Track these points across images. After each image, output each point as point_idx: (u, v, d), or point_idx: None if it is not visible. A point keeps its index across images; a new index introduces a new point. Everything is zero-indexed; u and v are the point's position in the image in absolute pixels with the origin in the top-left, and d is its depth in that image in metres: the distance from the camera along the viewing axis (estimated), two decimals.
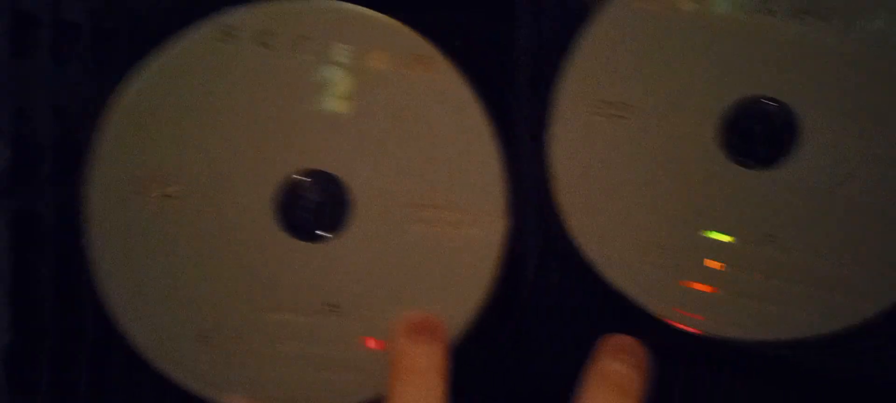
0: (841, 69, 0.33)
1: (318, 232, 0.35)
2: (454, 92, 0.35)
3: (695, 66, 0.34)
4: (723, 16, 0.34)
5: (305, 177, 0.35)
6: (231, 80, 0.34)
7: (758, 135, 0.34)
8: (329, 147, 0.35)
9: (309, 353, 0.35)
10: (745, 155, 0.34)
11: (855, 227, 0.34)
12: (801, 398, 0.37)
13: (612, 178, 0.35)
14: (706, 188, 0.35)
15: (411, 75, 0.35)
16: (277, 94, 0.35)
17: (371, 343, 0.35)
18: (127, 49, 0.35)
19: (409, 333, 0.35)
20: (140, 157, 0.35)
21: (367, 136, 0.35)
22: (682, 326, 0.36)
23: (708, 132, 0.34)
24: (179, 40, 0.34)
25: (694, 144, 0.35)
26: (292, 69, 0.34)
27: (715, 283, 0.35)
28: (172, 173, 0.35)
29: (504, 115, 0.35)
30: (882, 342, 0.35)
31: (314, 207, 0.35)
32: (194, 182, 0.35)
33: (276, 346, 0.35)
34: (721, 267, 0.35)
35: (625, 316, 0.36)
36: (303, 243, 0.35)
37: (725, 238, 0.35)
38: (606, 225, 0.35)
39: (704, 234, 0.35)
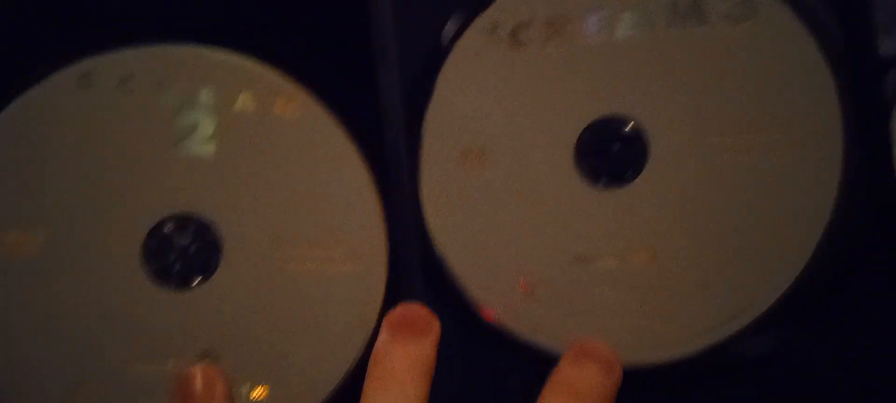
0: (680, 79, 0.35)
1: (188, 277, 0.35)
2: (320, 128, 0.35)
3: (544, 99, 0.36)
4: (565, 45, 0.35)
5: (173, 222, 0.35)
6: (92, 128, 0.34)
7: (613, 154, 0.35)
8: (196, 191, 0.35)
9: None
10: (602, 175, 0.35)
11: (722, 228, 0.35)
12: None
13: (481, 219, 0.36)
14: (573, 216, 0.35)
15: (275, 115, 0.35)
16: (140, 140, 0.34)
17: None
18: None
19: (392, 329, 0.32)
20: None
21: (233, 178, 0.35)
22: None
23: (565, 160, 0.36)
24: (35, 88, 0.34)
25: (555, 174, 0.36)
26: (154, 114, 0.34)
27: (600, 310, 0.35)
28: (31, 224, 0.34)
29: (375, 151, 0.36)
30: (775, 340, 0.35)
31: (183, 253, 0.35)
32: (56, 232, 0.34)
33: (151, 398, 0.34)
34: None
35: (512, 353, 0.36)
36: (174, 291, 0.34)
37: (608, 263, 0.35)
38: (484, 264, 0.36)
39: (579, 263, 0.35)
